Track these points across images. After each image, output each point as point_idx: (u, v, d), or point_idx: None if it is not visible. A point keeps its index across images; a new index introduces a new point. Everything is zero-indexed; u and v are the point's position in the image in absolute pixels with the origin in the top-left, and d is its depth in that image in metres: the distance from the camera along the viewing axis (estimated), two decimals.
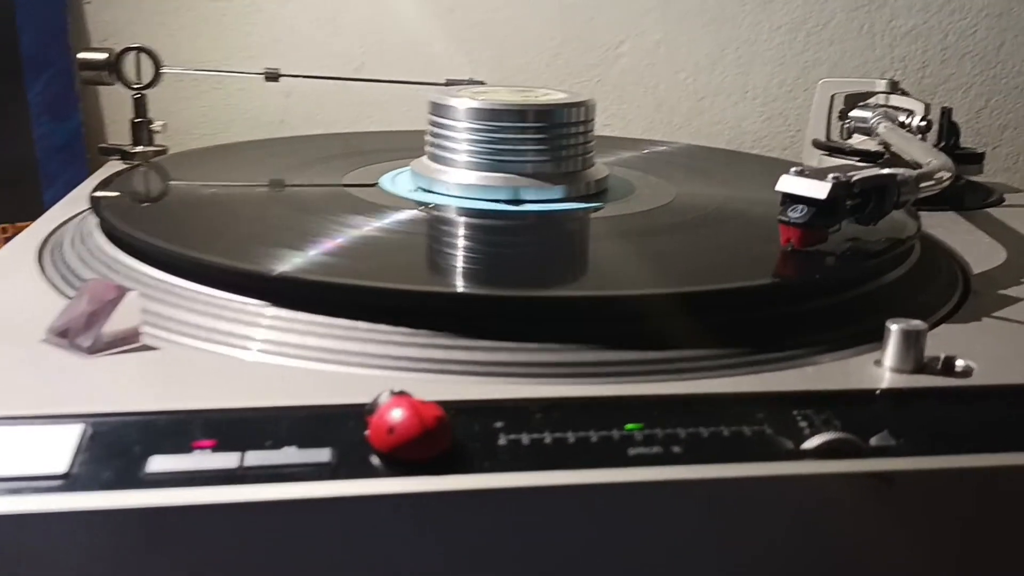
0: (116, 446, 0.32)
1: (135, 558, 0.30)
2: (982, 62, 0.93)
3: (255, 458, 0.32)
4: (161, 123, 0.76)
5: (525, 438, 0.34)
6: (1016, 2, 0.92)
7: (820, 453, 0.34)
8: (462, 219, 0.55)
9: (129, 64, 0.73)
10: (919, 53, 0.92)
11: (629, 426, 0.34)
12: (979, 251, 0.57)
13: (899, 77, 0.92)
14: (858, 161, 0.70)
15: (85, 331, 0.39)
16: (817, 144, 0.75)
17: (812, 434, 0.34)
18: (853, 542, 0.34)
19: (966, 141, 0.92)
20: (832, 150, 0.74)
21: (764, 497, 0.33)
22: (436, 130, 0.59)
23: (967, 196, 0.72)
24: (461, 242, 0.52)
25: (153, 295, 0.43)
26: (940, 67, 0.93)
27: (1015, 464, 0.34)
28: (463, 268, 0.48)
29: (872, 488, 0.33)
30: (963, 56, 0.93)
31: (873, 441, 0.34)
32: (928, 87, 0.93)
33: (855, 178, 0.46)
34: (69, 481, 0.30)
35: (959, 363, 0.40)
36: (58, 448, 0.32)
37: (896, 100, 0.72)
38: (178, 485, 0.30)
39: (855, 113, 0.73)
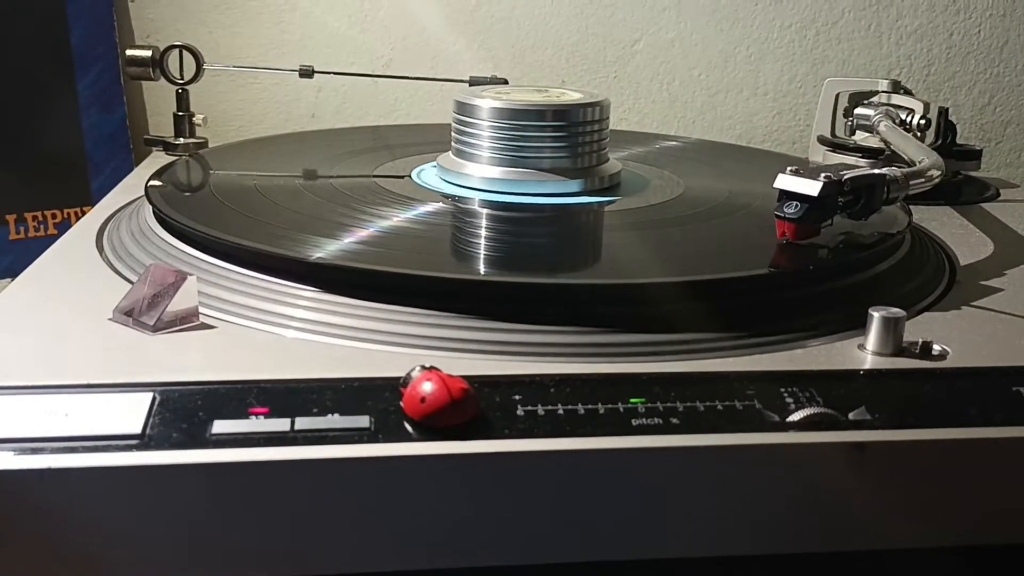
0: (182, 411, 0.36)
1: (201, 508, 0.34)
2: (985, 60, 0.96)
3: (304, 423, 0.36)
4: (201, 116, 0.80)
5: (540, 409, 0.37)
6: (1019, 3, 0.94)
7: (802, 425, 0.37)
8: (485, 211, 0.59)
9: (173, 61, 0.78)
10: (924, 51, 0.95)
11: (633, 400, 0.38)
12: (968, 244, 0.61)
13: (905, 75, 0.95)
14: (860, 157, 0.74)
15: (149, 311, 0.43)
16: (822, 140, 0.79)
17: (796, 409, 0.38)
18: (830, 503, 0.38)
19: (970, 137, 0.96)
20: (836, 146, 0.77)
21: (751, 463, 0.37)
22: (461, 127, 0.63)
23: (964, 191, 0.75)
24: (484, 232, 0.56)
25: (205, 278, 0.47)
26: (945, 65, 0.95)
27: (976, 437, 0.38)
28: (486, 256, 0.52)
29: (846, 456, 0.37)
30: (967, 55, 0.95)
31: (851, 415, 0.38)
32: (933, 84, 0.96)
33: (846, 176, 0.50)
34: (144, 441, 0.35)
35: (936, 348, 0.44)
36: (132, 413, 0.36)
37: (897, 99, 0.75)
38: (239, 445, 0.35)
39: (858, 111, 0.76)
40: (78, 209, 0.84)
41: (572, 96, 0.63)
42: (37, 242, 0.81)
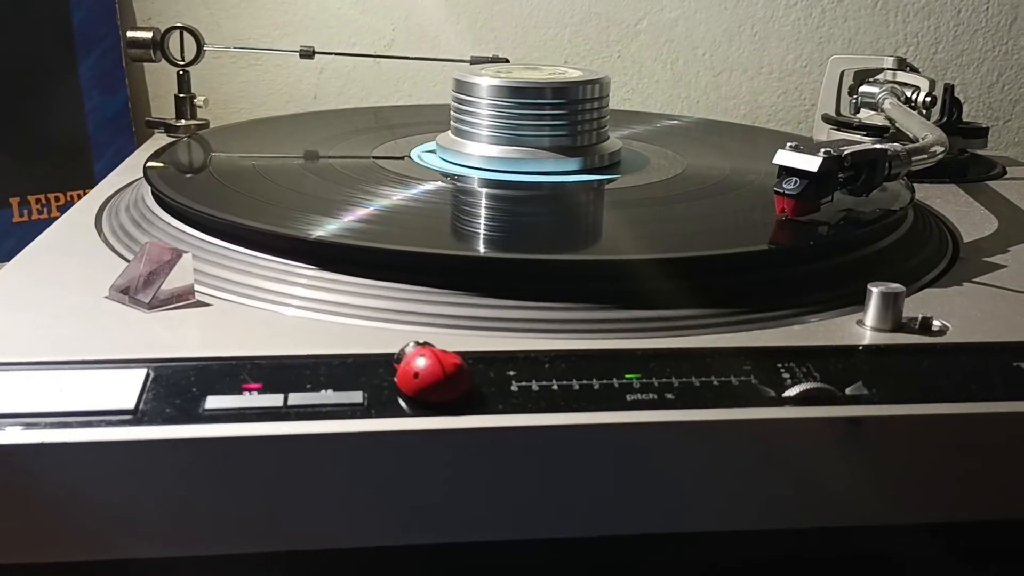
0: (176, 387, 0.36)
1: (193, 483, 0.35)
2: (994, 38, 0.95)
3: (297, 399, 0.36)
4: (202, 98, 0.80)
5: (535, 385, 0.37)
6: None
7: (798, 400, 0.37)
8: (483, 189, 0.59)
9: (174, 42, 0.77)
10: (932, 29, 0.94)
11: (628, 375, 0.38)
12: (972, 221, 0.60)
13: (912, 53, 0.94)
14: (865, 135, 0.73)
15: (144, 289, 0.44)
16: (826, 119, 0.78)
17: (793, 384, 0.38)
18: (826, 478, 0.37)
19: (978, 116, 0.95)
20: (840, 124, 0.76)
21: (747, 438, 0.37)
22: (460, 106, 0.62)
23: (969, 169, 0.75)
24: (482, 211, 0.56)
25: (203, 257, 0.47)
26: (952, 43, 0.94)
27: (975, 412, 0.38)
28: (483, 234, 0.52)
29: (842, 431, 0.37)
30: (975, 32, 0.94)
31: (848, 391, 0.38)
32: (940, 63, 0.95)
33: (846, 152, 0.50)
34: (137, 416, 0.35)
35: (935, 323, 0.43)
36: (126, 388, 0.36)
37: (903, 76, 0.75)
38: (232, 421, 0.35)
39: (863, 89, 0.75)
40: (81, 191, 0.84)
41: (571, 74, 0.63)
42: (40, 225, 0.81)
